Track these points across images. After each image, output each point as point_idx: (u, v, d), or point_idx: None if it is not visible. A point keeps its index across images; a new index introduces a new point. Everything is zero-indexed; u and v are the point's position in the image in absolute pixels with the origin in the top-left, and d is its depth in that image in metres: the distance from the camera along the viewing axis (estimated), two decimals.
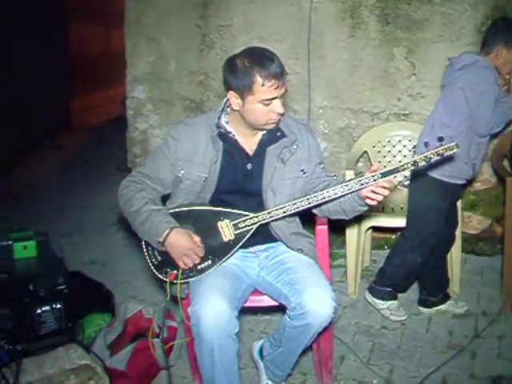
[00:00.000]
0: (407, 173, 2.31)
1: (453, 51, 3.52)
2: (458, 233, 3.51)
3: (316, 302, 2.33)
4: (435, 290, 3.44)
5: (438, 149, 2.29)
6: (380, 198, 2.32)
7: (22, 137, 7.24)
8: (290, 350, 2.54)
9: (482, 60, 3.10)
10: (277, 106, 2.36)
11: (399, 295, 3.52)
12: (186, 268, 2.42)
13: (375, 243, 4.13)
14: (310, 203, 2.38)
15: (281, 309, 2.60)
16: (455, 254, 3.55)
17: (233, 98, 2.40)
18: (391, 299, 3.45)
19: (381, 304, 3.45)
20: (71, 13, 9.29)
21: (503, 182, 3.56)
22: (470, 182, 3.50)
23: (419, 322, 3.38)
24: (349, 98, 4.13)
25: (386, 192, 2.32)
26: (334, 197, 2.37)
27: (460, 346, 3.12)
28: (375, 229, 3.87)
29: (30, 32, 7.41)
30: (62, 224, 4.95)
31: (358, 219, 3.41)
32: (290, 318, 2.42)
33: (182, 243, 2.37)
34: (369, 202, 2.35)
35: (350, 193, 2.35)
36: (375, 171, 2.30)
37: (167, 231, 2.36)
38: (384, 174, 2.29)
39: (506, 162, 3.67)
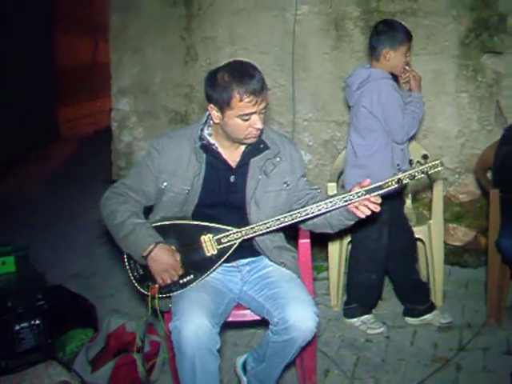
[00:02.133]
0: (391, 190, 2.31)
1: (437, 63, 3.55)
2: (439, 246, 3.52)
3: (299, 316, 2.32)
4: (418, 298, 3.43)
5: (423, 167, 2.30)
6: (368, 212, 2.32)
7: (9, 148, 7.19)
8: (274, 364, 2.52)
9: (375, 71, 3.13)
10: (255, 121, 2.36)
11: (382, 308, 3.53)
12: (163, 284, 2.41)
13: None
14: (293, 219, 2.38)
15: (265, 322, 2.59)
16: (437, 266, 3.54)
17: (213, 111, 2.41)
18: (364, 314, 3.44)
19: (355, 322, 3.45)
20: (59, 23, 9.26)
21: (487, 194, 3.58)
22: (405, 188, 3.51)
23: (404, 334, 3.36)
24: (334, 111, 4.13)
25: (377, 208, 2.32)
26: (317, 213, 2.36)
27: (445, 358, 3.11)
28: None
29: (17, 42, 7.38)
30: (48, 236, 4.92)
31: (340, 232, 3.40)
32: (272, 332, 2.40)
33: (165, 259, 2.37)
34: (358, 214, 2.35)
35: (334, 209, 2.36)
36: (363, 187, 2.30)
37: (152, 246, 2.36)
38: (368, 191, 2.29)
39: (489, 174, 3.67)
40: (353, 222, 2.45)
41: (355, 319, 3.44)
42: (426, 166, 2.30)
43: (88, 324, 3.25)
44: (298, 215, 2.37)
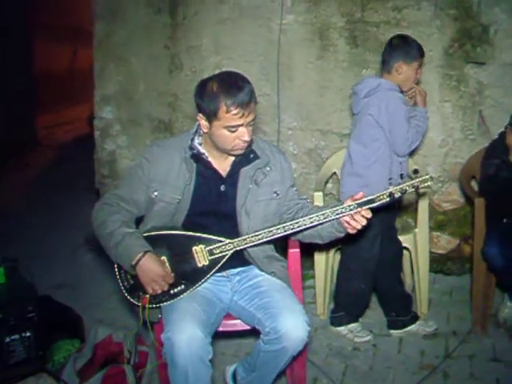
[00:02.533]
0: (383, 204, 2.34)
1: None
2: (424, 255, 3.56)
3: (290, 326, 2.33)
4: (402, 309, 3.45)
5: (414, 181, 2.34)
6: (359, 226, 2.35)
7: None
8: (265, 374, 2.52)
9: (385, 82, 3.18)
10: (243, 133, 2.37)
11: (368, 317, 3.56)
12: (154, 294, 2.40)
13: None
14: (285, 231, 2.40)
15: (253, 332, 2.60)
16: (422, 274, 3.57)
17: (202, 120, 2.43)
18: (350, 322, 3.46)
19: (343, 330, 3.46)
20: (37, 30, 9.19)
21: (471, 202, 3.62)
22: (399, 201, 3.54)
23: (390, 343, 3.39)
24: (318, 120, 4.15)
25: (365, 221, 2.34)
26: (309, 225, 2.39)
27: (432, 366, 3.13)
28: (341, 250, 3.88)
29: None
30: (30, 245, 4.86)
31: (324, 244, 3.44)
32: (264, 342, 2.41)
33: (154, 268, 2.36)
34: (349, 229, 2.37)
35: (326, 222, 2.38)
36: (356, 200, 2.32)
37: (140, 255, 2.35)
38: (360, 205, 2.32)
39: (473, 183, 3.72)
40: (343, 234, 2.47)
41: (342, 327, 3.46)
42: (417, 180, 2.34)
43: (75, 335, 3.23)
44: (291, 227, 2.39)
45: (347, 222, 2.36)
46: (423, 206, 3.51)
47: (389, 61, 3.19)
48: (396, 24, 3.88)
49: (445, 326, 3.51)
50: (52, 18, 10.26)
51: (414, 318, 3.46)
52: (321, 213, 2.36)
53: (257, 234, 2.40)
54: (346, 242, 3.35)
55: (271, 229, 2.39)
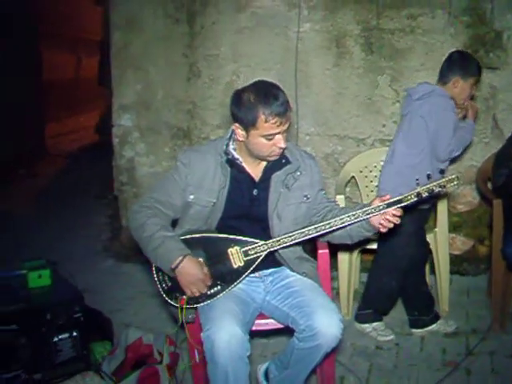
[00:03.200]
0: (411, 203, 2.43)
1: (434, 78, 3.65)
2: (444, 255, 3.65)
3: (325, 323, 2.39)
4: (425, 308, 3.54)
5: (440, 181, 2.42)
6: (391, 224, 2.43)
7: None
8: (298, 371, 2.58)
9: (439, 89, 3.29)
10: (279, 140, 2.44)
11: (391, 316, 3.63)
12: (193, 296, 2.47)
13: (362, 265, 4.22)
14: (318, 232, 2.47)
15: (278, 332, 2.67)
16: (443, 274, 3.67)
17: (238, 129, 2.48)
18: (375, 321, 3.55)
19: (367, 328, 3.55)
20: (43, 39, 9.27)
21: (487, 203, 3.72)
22: (435, 206, 3.64)
23: (413, 341, 3.47)
24: (335, 125, 4.24)
25: (396, 220, 2.42)
26: (340, 226, 2.47)
27: (454, 363, 3.21)
28: (363, 251, 3.96)
29: (2, 58, 7.40)
30: (47, 254, 4.90)
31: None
32: (298, 340, 2.47)
33: (193, 272, 2.43)
34: (381, 228, 2.45)
35: (357, 222, 2.46)
36: (384, 201, 2.41)
37: (180, 258, 2.41)
38: (389, 205, 2.41)
39: (490, 185, 3.80)
40: (371, 234, 2.55)
41: (367, 325, 3.54)
42: (444, 180, 2.42)
43: (105, 337, 3.30)
44: (323, 228, 2.47)
45: (379, 222, 2.44)
46: (442, 207, 3.61)
47: (447, 74, 3.31)
48: (411, 31, 3.99)
49: (464, 325, 3.60)
50: (56, 28, 10.35)
51: (436, 318, 3.54)
52: (351, 213, 2.44)
53: (290, 235, 2.48)
54: (381, 240, 3.44)
55: (304, 230, 2.47)
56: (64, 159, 8.98)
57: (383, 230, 2.47)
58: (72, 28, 11.10)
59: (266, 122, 2.38)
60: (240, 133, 2.48)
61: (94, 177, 7.25)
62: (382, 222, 2.43)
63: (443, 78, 3.34)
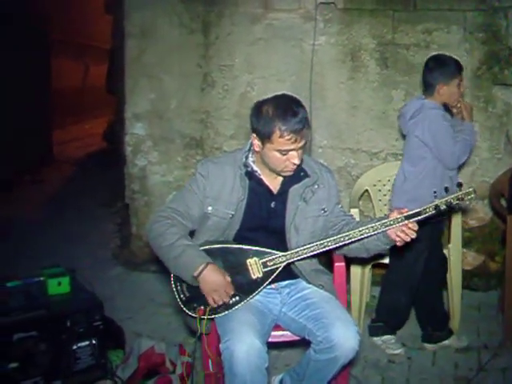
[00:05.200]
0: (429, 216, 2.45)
1: None
2: (457, 270, 3.65)
3: (343, 335, 2.40)
4: (439, 323, 3.54)
5: (458, 194, 2.45)
6: (408, 238, 2.43)
7: (3, 171, 7.21)
8: (314, 383, 2.58)
9: (428, 102, 3.29)
10: (293, 157, 2.45)
11: (403, 330, 3.63)
12: (215, 305, 2.47)
13: (373, 279, 4.22)
14: (336, 243, 2.48)
15: (290, 343, 2.67)
16: (455, 290, 3.67)
17: (255, 140, 2.50)
18: (385, 334, 3.55)
19: (377, 340, 3.56)
20: (52, 47, 9.30)
21: (501, 219, 3.72)
22: (450, 218, 3.64)
23: (425, 355, 3.47)
24: (348, 138, 4.26)
25: (413, 233, 2.43)
26: (359, 237, 2.47)
27: (466, 378, 3.22)
28: (375, 265, 3.96)
29: (12, 66, 7.44)
30: (55, 261, 4.91)
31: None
32: (315, 351, 2.47)
33: (216, 280, 2.44)
34: (398, 242, 2.46)
35: (375, 234, 2.46)
36: (402, 213, 2.42)
37: (203, 266, 2.42)
38: (407, 217, 2.42)
39: (503, 201, 3.81)
40: (388, 247, 2.55)
41: (377, 338, 3.55)
42: (461, 193, 2.45)
43: (117, 345, 3.30)
44: (341, 239, 2.47)
45: (396, 235, 2.45)
46: (456, 222, 3.61)
47: (429, 84, 3.30)
48: (426, 46, 4.01)
49: (476, 340, 3.60)
50: (65, 36, 10.39)
51: (449, 333, 3.54)
52: (370, 225, 2.45)
53: (308, 246, 2.48)
54: (392, 255, 3.45)
55: (322, 242, 2.48)
56: (71, 166, 8.99)
57: (400, 244, 2.47)
58: (81, 36, 11.15)
59: (280, 137, 2.39)
60: (256, 143, 2.50)
61: (102, 184, 7.25)
62: (400, 234, 2.44)
63: (428, 90, 3.32)
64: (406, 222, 2.41)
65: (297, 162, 2.46)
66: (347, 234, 2.47)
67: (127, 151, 4.69)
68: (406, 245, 2.51)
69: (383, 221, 2.44)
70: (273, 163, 2.50)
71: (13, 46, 7.44)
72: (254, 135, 2.50)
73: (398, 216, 2.42)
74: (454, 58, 3.33)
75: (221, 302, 2.47)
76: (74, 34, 10.99)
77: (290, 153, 2.44)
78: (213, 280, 2.43)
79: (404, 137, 3.51)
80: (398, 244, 2.48)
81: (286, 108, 2.41)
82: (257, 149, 2.51)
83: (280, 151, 2.43)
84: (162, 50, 4.50)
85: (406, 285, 3.44)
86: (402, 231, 2.42)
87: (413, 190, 3.31)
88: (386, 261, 3.61)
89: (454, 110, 3.37)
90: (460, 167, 3.51)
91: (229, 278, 2.48)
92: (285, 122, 2.38)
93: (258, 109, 2.48)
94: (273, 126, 2.39)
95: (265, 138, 2.43)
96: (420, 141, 3.26)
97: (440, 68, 3.27)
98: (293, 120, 2.38)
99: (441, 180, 3.26)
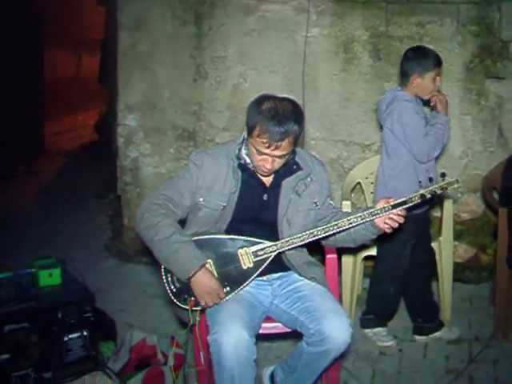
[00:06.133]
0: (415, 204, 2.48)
1: (442, 86, 3.68)
2: (448, 262, 3.66)
3: (335, 328, 2.40)
4: (429, 315, 3.55)
5: (442, 183, 2.49)
6: (396, 224, 2.46)
7: None
8: (306, 375, 2.59)
9: (401, 93, 3.28)
10: (265, 161, 2.45)
11: (394, 322, 3.65)
12: (206, 306, 2.48)
13: (365, 271, 4.22)
14: (326, 232, 2.48)
15: (282, 335, 2.68)
16: (446, 282, 3.67)
17: (245, 127, 2.51)
18: (376, 326, 3.56)
19: (368, 332, 3.57)
20: (45, 38, 9.25)
21: (492, 212, 3.74)
22: (432, 206, 3.66)
23: (416, 348, 3.48)
24: (341, 130, 4.25)
25: (401, 219, 2.45)
26: (347, 226, 2.48)
27: (457, 370, 3.23)
28: (365, 257, 3.97)
29: (4, 56, 7.41)
30: (48, 252, 4.90)
31: (354, 248, 3.52)
32: (307, 344, 2.47)
33: (209, 283, 2.44)
34: (387, 229, 2.48)
35: (363, 223, 2.47)
36: (389, 202, 2.44)
37: (197, 269, 2.41)
38: (394, 206, 2.44)
39: (495, 194, 3.82)
40: (375, 237, 2.57)
41: (368, 330, 3.56)
42: (445, 182, 2.49)
43: (109, 337, 3.30)
44: (331, 228, 2.48)
45: (384, 222, 2.46)
46: (447, 215, 3.61)
47: (405, 74, 3.28)
48: (419, 39, 4.00)
49: (467, 332, 3.62)
50: (58, 27, 10.33)
51: (440, 325, 3.55)
52: (358, 215, 2.46)
53: (299, 236, 2.48)
54: (378, 247, 3.47)
55: (312, 231, 2.48)
56: (63, 157, 8.97)
57: (388, 231, 2.49)
58: (74, 27, 11.08)
59: (258, 136, 2.40)
60: (245, 132, 2.52)
61: (94, 175, 7.25)
62: (388, 221, 2.46)
63: (403, 79, 3.31)
64: (393, 210, 2.43)
65: (267, 167, 2.47)
66: (336, 223, 2.48)
67: (119, 143, 4.66)
68: (392, 236, 2.56)
69: (370, 210, 2.46)
70: (250, 155, 2.52)
71: (5, 37, 7.39)
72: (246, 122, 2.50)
73: (385, 205, 2.44)
74: (434, 51, 3.28)
75: (211, 304, 2.46)
76: (67, 26, 10.92)
77: (264, 156, 2.44)
78: (206, 283, 2.43)
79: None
80: (387, 231, 2.49)
81: (276, 113, 2.39)
82: (245, 135, 2.53)
83: (256, 149, 2.43)
84: (155, 41, 4.47)
85: (394, 276, 3.45)
86: (390, 218, 2.44)
87: (390, 183, 3.33)
88: (375, 253, 3.62)
89: (431, 104, 3.33)
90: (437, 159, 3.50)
91: (216, 275, 2.49)
92: (266, 124, 2.37)
93: (260, 101, 2.46)
94: (255, 122, 2.40)
95: (249, 129, 2.45)
96: (391, 132, 3.25)
97: (417, 59, 3.22)
98: (275, 128, 2.36)
99: (415, 174, 3.27)
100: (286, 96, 2.51)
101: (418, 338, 3.55)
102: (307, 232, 2.48)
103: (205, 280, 2.43)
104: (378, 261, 3.58)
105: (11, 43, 7.57)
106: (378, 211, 2.44)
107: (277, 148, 2.40)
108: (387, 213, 2.43)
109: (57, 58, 10.58)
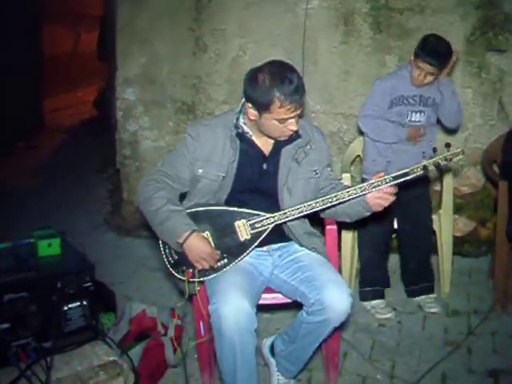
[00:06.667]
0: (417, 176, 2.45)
1: None
2: (448, 236, 3.68)
3: (335, 297, 2.41)
4: (423, 277, 3.64)
5: (446, 154, 2.43)
6: (386, 203, 2.45)
7: None
8: (305, 345, 2.60)
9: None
10: (291, 124, 2.44)
11: (393, 295, 3.69)
12: (201, 269, 2.48)
13: None
14: (324, 204, 2.47)
15: (282, 306, 2.70)
16: (446, 255, 3.69)
17: (250, 109, 2.46)
18: (374, 298, 3.60)
19: (367, 305, 3.61)
20: (43, 14, 9.18)
21: (492, 185, 3.73)
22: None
23: (415, 320, 3.50)
24: (341, 103, 4.23)
25: (391, 198, 2.44)
26: (347, 198, 2.46)
27: (456, 342, 3.25)
28: None
29: (2, 33, 7.36)
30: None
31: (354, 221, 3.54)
32: (307, 313, 2.48)
33: (201, 247, 2.45)
34: (376, 207, 2.48)
35: (363, 195, 2.45)
36: (389, 174, 2.42)
37: (187, 234, 2.42)
38: (395, 178, 2.41)
39: (495, 167, 3.81)
40: (369, 213, 2.55)
41: (366, 303, 3.59)
42: (449, 153, 2.43)
43: (109, 309, 3.31)
44: (330, 200, 2.46)
45: (374, 202, 2.46)
46: (447, 188, 3.61)
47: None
48: (420, 11, 3.96)
49: (466, 305, 3.64)
50: (56, 3, 10.25)
51: (432, 288, 3.64)
52: (358, 186, 2.44)
53: (297, 207, 2.47)
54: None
55: (310, 203, 2.46)
56: (63, 133, 8.94)
57: (378, 209, 2.49)
58: (73, 3, 11.00)
59: (280, 107, 2.36)
60: (252, 112, 2.46)
61: (93, 151, 7.22)
62: (377, 200, 2.45)
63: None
64: (394, 182, 2.41)
65: (294, 128, 2.46)
66: (335, 194, 2.46)
67: (118, 116, 4.64)
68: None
69: (371, 181, 2.44)
70: (269, 131, 2.49)
71: (4, 14, 7.33)
72: (250, 105, 2.45)
73: (386, 176, 2.42)
74: (432, 44, 3.24)
75: (207, 267, 2.47)
76: (66, 2, 10.83)
77: (289, 121, 2.42)
78: (197, 247, 2.44)
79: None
80: (378, 209, 2.49)
81: (283, 77, 2.36)
82: (252, 117, 2.48)
83: (278, 120, 2.41)
84: (154, 14, 4.42)
85: (374, 243, 3.56)
86: (379, 197, 2.43)
87: (365, 161, 3.51)
88: None
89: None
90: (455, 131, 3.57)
91: (212, 244, 2.50)
92: (284, 91, 2.33)
93: (253, 78, 2.41)
94: (272, 96, 2.34)
95: (262, 107, 2.40)
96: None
97: (420, 44, 3.27)
98: (291, 88, 2.34)
99: (378, 153, 3.44)
100: (268, 61, 2.47)
101: (413, 299, 3.65)
102: (305, 204, 2.47)
103: (196, 244, 2.43)
104: (359, 229, 3.62)
105: (11, 19, 7.51)
106: (379, 182, 2.42)
107: (300, 105, 2.41)
108: (388, 184, 2.41)
109: (56, 34, 10.50)
